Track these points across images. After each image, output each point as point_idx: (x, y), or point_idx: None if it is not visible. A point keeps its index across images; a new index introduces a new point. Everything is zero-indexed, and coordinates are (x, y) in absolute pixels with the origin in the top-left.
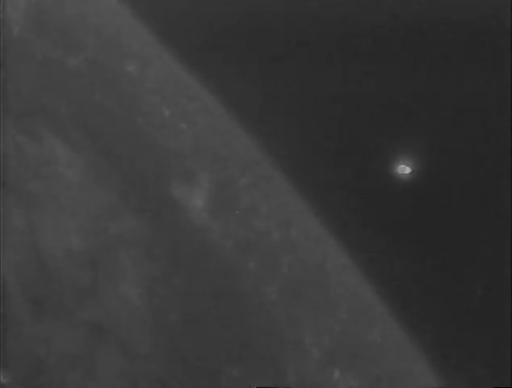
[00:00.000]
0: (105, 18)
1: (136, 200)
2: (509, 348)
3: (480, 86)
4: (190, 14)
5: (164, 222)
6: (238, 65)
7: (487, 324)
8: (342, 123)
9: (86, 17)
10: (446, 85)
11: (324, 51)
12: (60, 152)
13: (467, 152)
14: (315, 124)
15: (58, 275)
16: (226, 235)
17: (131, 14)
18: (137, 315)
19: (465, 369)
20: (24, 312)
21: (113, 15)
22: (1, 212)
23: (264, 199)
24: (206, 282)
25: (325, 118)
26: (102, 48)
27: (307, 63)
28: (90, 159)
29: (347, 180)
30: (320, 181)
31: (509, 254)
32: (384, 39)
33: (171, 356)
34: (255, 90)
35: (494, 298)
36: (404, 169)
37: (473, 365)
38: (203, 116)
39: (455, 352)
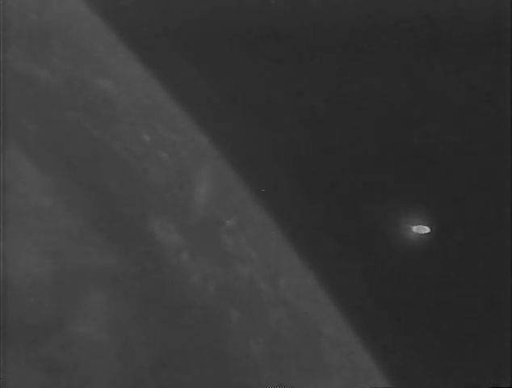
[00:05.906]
0: (82, 31)
1: (107, 230)
2: (510, 348)
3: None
4: (173, 34)
5: (138, 257)
6: (226, 99)
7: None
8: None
9: (59, 27)
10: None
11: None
12: (27, 172)
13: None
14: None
15: (19, 304)
16: (206, 277)
17: (107, 29)
18: (103, 356)
19: None
20: None
21: (90, 28)
22: None
23: (249, 242)
24: (181, 325)
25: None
26: (75, 61)
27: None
28: (60, 182)
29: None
30: (327, 247)
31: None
32: (375, 42)
33: None
34: (244, 126)
35: None
36: (421, 228)
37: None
38: (186, 146)
39: None
